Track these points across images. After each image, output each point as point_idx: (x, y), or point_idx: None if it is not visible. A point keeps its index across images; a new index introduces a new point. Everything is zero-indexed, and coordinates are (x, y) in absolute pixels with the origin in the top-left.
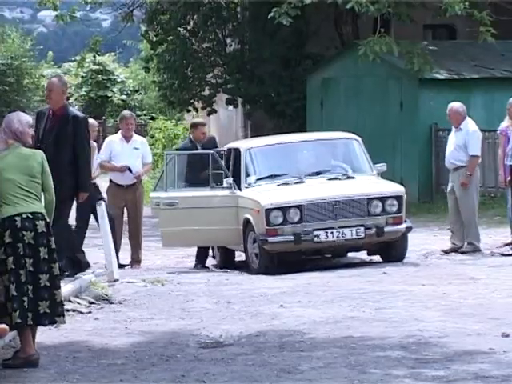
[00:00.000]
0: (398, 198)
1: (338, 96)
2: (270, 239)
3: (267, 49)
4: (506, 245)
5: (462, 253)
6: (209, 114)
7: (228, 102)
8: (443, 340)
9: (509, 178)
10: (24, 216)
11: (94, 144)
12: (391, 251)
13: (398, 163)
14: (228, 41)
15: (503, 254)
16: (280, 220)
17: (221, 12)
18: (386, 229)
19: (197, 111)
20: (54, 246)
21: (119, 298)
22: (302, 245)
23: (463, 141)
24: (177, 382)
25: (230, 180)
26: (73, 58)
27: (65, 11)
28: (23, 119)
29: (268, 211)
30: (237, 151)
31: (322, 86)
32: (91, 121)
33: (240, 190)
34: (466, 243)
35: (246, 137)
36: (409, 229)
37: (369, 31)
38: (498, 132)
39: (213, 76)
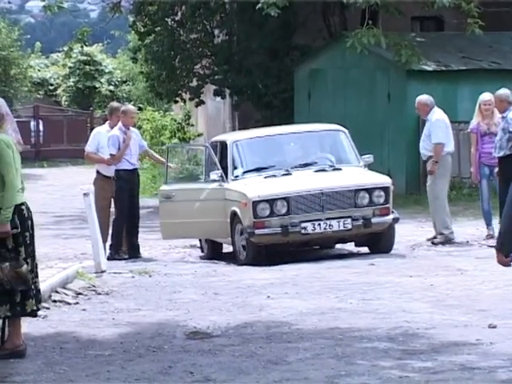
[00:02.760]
0: (385, 189)
1: (326, 87)
2: (258, 231)
3: (255, 40)
4: (488, 236)
5: (433, 244)
6: (197, 105)
7: (216, 93)
8: (430, 331)
9: (496, 169)
10: (26, 205)
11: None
12: (379, 242)
13: (386, 155)
14: (216, 32)
15: (490, 246)
16: (267, 212)
17: (209, 3)
18: (374, 220)
19: (184, 102)
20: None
21: (106, 289)
22: (290, 237)
23: (428, 130)
24: (164, 373)
25: (219, 173)
26: (60, 49)
27: (52, 2)
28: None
29: (255, 203)
30: (223, 144)
31: (309, 77)
32: (130, 107)
33: (227, 182)
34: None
35: (233, 128)
36: (396, 220)
37: (357, 23)
38: (469, 130)
39: (200, 67)
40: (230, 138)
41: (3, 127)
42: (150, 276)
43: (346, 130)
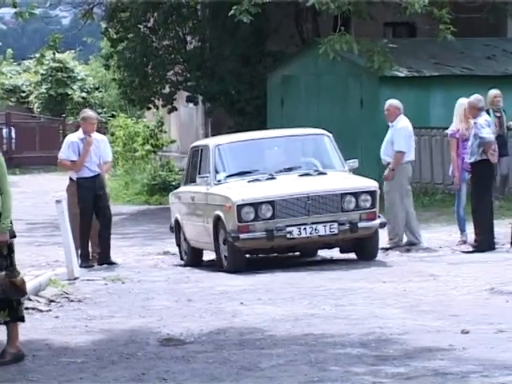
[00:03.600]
0: (372, 193)
1: (299, 93)
2: (242, 236)
3: (227, 46)
4: (461, 242)
5: (383, 249)
6: (169, 111)
7: (188, 100)
8: (403, 337)
9: (469, 176)
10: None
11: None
12: (364, 248)
13: (359, 160)
14: (188, 38)
15: (464, 252)
16: (252, 216)
17: (181, 10)
18: (360, 224)
19: (157, 109)
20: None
21: (79, 296)
22: (275, 241)
23: (391, 137)
24: (137, 381)
25: (202, 176)
26: (32, 56)
27: (24, 8)
28: None
29: (239, 207)
30: (205, 148)
31: (282, 83)
32: (90, 113)
33: (210, 186)
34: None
35: (206, 134)
36: (383, 224)
37: (329, 29)
38: (449, 136)
39: (173, 74)
40: (211, 142)
41: None
42: (123, 283)
43: (330, 135)
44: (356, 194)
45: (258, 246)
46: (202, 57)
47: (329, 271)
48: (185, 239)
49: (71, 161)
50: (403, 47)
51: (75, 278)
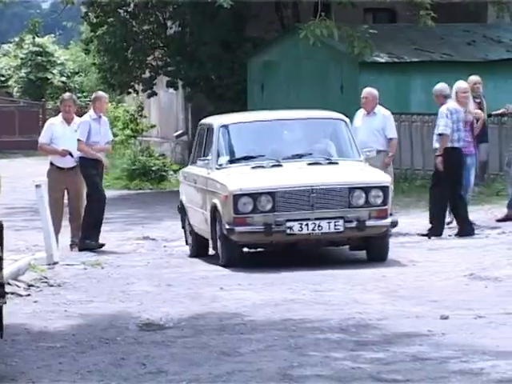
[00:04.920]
0: (384, 188)
1: (279, 79)
2: (238, 228)
3: (208, 32)
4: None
5: None
6: (149, 96)
7: (168, 85)
8: (382, 322)
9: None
10: None
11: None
12: (373, 248)
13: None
14: (169, 23)
15: (418, 234)
16: (250, 208)
17: None
18: (368, 223)
19: (137, 94)
20: None
21: (59, 281)
22: (273, 237)
23: (382, 125)
24: (116, 365)
25: (203, 159)
26: (12, 40)
27: None
28: None
29: (236, 197)
30: (209, 127)
31: (262, 69)
32: (101, 93)
33: (211, 171)
34: None
35: (186, 120)
36: (394, 224)
37: (309, 15)
38: None
39: (153, 58)
40: (217, 121)
41: None
42: (103, 268)
43: (348, 120)
44: (366, 189)
45: (255, 241)
46: (182, 42)
47: (307, 256)
48: (189, 223)
49: (78, 140)
50: (383, 33)
51: (54, 263)
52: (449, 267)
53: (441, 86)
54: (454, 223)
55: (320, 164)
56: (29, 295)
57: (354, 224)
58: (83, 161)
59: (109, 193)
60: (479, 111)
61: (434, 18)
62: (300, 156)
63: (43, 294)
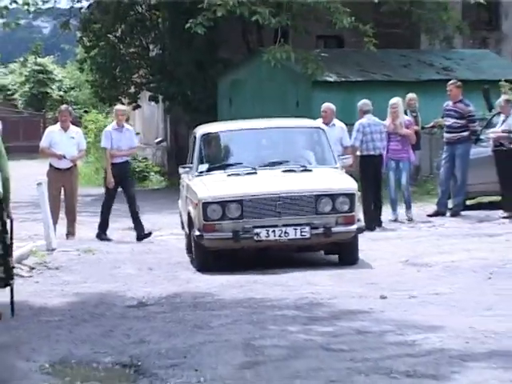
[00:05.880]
0: (350, 195)
1: (245, 95)
2: (207, 235)
3: (184, 54)
4: (392, 220)
5: None
6: (134, 108)
7: (151, 99)
8: (331, 301)
9: (393, 164)
10: None
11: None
12: (343, 253)
13: None
14: (151, 47)
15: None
16: (219, 215)
17: (145, 22)
18: (335, 229)
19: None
20: (5, 218)
21: (56, 265)
22: (241, 243)
23: (340, 135)
24: (106, 336)
25: (184, 167)
26: (17, 60)
27: (11, 19)
28: None
29: (205, 205)
30: (195, 136)
31: (230, 86)
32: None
33: (192, 178)
34: None
35: (165, 128)
36: (360, 230)
37: (271, 40)
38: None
39: (138, 76)
40: (200, 130)
41: None
42: (94, 254)
43: (325, 128)
44: (333, 197)
45: (224, 247)
46: (162, 62)
47: (279, 262)
48: (182, 225)
49: (104, 147)
50: (333, 56)
51: (53, 249)
52: (387, 255)
53: (361, 103)
54: (400, 218)
55: (294, 171)
56: (31, 277)
57: (320, 230)
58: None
59: (99, 190)
60: (406, 130)
61: (375, 44)
62: (276, 164)
63: (43, 276)
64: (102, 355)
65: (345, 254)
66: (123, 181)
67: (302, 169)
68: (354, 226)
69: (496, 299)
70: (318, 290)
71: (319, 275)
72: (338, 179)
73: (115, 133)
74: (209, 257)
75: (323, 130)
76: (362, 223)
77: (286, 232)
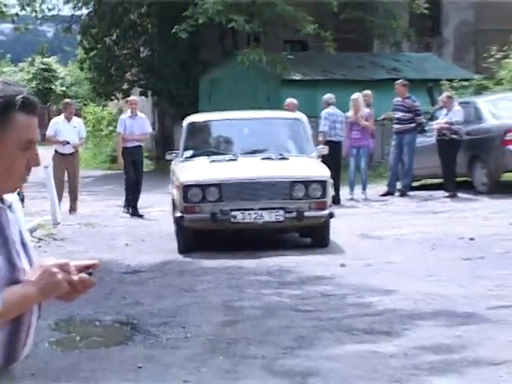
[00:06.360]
0: (323, 182)
1: (222, 91)
2: (187, 216)
3: (170, 55)
4: (350, 199)
5: None
6: (127, 102)
7: (141, 94)
8: (299, 269)
9: (354, 151)
10: None
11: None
12: (316, 236)
13: None
14: (141, 49)
15: (351, 206)
16: (199, 198)
17: (136, 28)
18: (307, 213)
19: (118, 100)
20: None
21: (62, 237)
22: (219, 224)
23: None
24: (105, 298)
25: (171, 152)
26: (25, 60)
27: (21, 25)
28: None
29: (186, 188)
30: (183, 125)
31: (210, 84)
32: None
33: (177, 163)
34: None
35: (153, 120)
36: (331, 215)
37: (245, 44)
38: (347, 120)
39: (130, 74)
40: (187, 119)
41: None
42: (94, 227)
43: (305, 119)
44: (306, 183)
45: (203, 228)
46: (151, 62)
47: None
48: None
49: (118, 132)
50: (298, 58)
51: (58, 223)
52: (345, 229)
53: (326, 96)
54: (356, 197)
55: (271, 159)
56: (40, 247)
57: (293, 214)
58: (123, 150)
59: (96, 172)
60: (366, 122)
61: (335, 47)
62: (256, 151)
63: (50, 246)
64: (102, 315)
65: (317, 237)
66: (135, 163)
67: (279, 157)
68: (326, 211)
69: (439, 267)
70: (287, 259)
71: (288, 247)
72: (312, 167)
73: (129, 120)
74: (189, 237)
75: (302, 121)
76: (333, 209)
77: (261, 215)
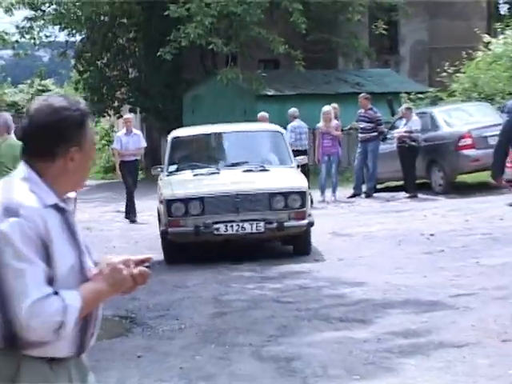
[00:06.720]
0: (301, 193)
1: (204, 107)
2: (171, 230)
3: (156, 76)
4: (321, 201)
5: None
6: (118, 118)
7: (130, 111)
8: (280, 264)
9: (326, 158)
10: None
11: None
12: (297, 244)
13: None
14: (130, 70)
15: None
16: (182, 212)
17: (125, 51)
18: (287, 223)
19: (110, 116)
20: None
21: None
22: (202, 237)
23: None
24: None
25: (156, 167)
26: (25, 82)
27: (21, 51)
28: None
29: (169, 202)
30: (168, 139)
31: (192, 100)
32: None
33: (162, 177)
34: None
35: (142, 133)
36: (311, 224)
37: (223, 64)
38: (318, 130)
39: (120, 93)
40: (172, 134)
41: (11, 134)
42: (91, 231)
43: (284, 131)
44: (285, 194)
45: (187, 241)
46: (139, 82)
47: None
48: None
49: (113, 148)
50: (271, 76)
51: None
52: (317, 228)
53: (291, 110)
54: (326, 199)
55: (252, 171)
56: None
57: (274, 225)
58: (121, 163)
59: (92, 182)
60: (337, 132)
61: (304, 65)
62: (237, 164)
63: None
64: (104, 309)
65: (298, 246)
66: (132, 174)
67: (260, 169)
68: (305, 221)
69: (405, 260)
70: (267, 256)
71: (268, 246)
72: (291, 178)
73: (124, 137)
74: (174, 250)
75: (282, 133)
76: (312, 219)
77: (242, 227)
